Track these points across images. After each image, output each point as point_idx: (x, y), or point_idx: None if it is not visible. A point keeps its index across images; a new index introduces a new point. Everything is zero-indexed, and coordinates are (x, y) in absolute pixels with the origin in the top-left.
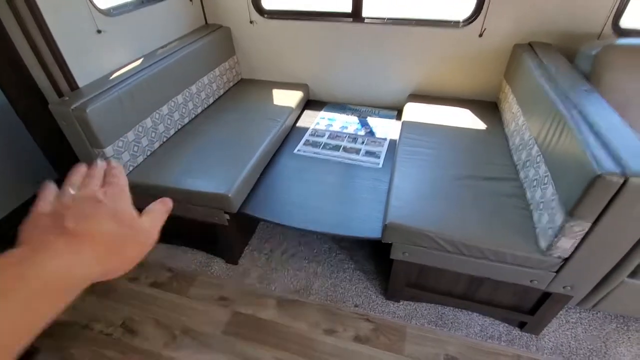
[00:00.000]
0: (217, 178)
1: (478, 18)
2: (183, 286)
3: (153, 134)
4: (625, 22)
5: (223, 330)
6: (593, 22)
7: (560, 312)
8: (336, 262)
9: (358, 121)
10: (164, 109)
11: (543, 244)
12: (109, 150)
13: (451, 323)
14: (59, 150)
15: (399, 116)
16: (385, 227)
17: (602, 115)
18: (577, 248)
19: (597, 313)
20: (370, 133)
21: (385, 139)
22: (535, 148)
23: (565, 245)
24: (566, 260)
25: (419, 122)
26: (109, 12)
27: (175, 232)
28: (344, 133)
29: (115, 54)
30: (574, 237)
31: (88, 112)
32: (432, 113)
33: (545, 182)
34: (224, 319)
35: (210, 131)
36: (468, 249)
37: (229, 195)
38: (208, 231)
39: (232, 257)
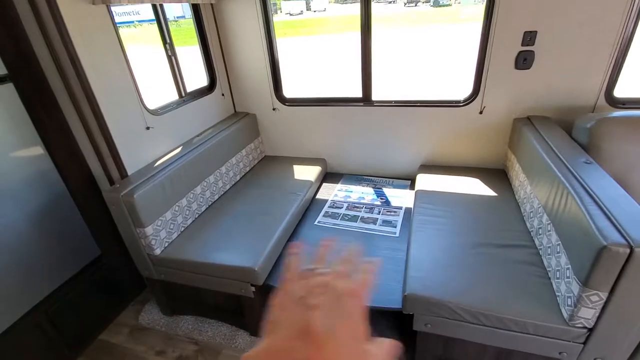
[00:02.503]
0: (243, 252)
1: (477, 98)
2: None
3: (187, 212)
4: (619, 93)
5: None
6: (587, 96)
7: None
8: None
9: (374, 192)
10: (198, 189)
11: (565, 313)
12: (149, 229)
13: None
14: (104, 229)
15: (412, 186)
16: (405, 298)
17: (603, 186)
18: (599, 318)
19: None
20: (386, 203)
21: (400, 208)
22: (545, 216)
23: (587, 315)
24: (591, 330)
25: (432, 191)
26: (156, 112)
27: (203, 303)
28: (361, 203)
29: (159, 144)
30: (594, 306)
31: (135, 198)
32: (444, 182)
33: (558, 250)
34: None
35: (237, 207)
36: (488, 318)
37: (255, 268)
38: (234, 303)
39: (257, 330)
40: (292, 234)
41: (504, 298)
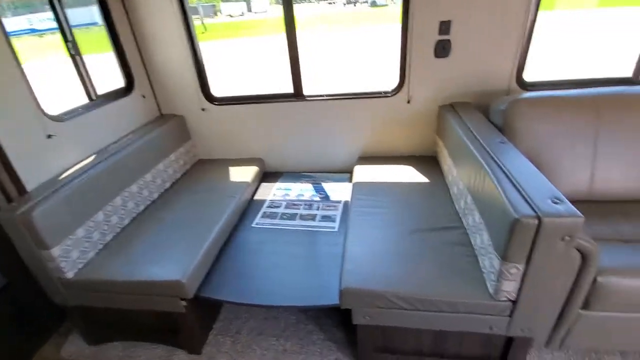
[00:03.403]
0: (169, 264)
1: (403, 88)
2: None
3: (105, 227)
4: (528, 76)
5: None
6: (500, 80)
7: (534, 356)
8: (305, 334)
9: (313, 188)
10: (117, 200)
11: (491, 289)
12: (55, 251)
13: None
14: (8, 254)
15: (351, 178)
16: (341, 293)
17: (516, 163)
18: (520, 290)
19: (568, 352)
20: (325, 198)
21: (340, 202)
22: (469, 197)
23: (509, 288)
24: (515, 302)
25: (368, 182)
26: (60, 118)
27: (131, 326)
28: (300, 201)
29: (66, 154)
30: (514, 279)
31: (34, 217)
32: (380, 172)
33: (481, 228)
34: None
35: (165, 216)
36: (422, 303)
37: (183, 280)
38: (165, 321)
39: (194, 347)
40: (228, 239)
41: (436, 281)
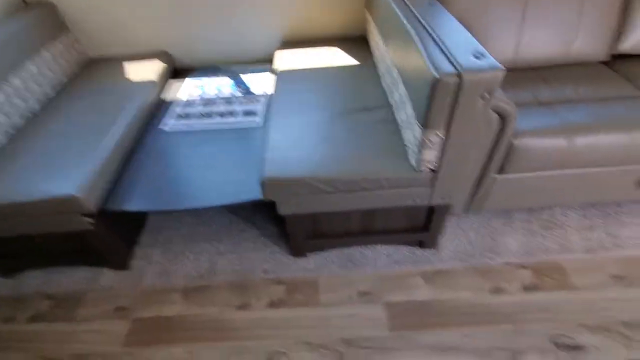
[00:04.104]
0: (60, 179)
1: None
2: (69, 310)
3: None
4: None
5: (124, 343)
6: None
7: (454, 222)
8: (237, 233)
9: (232, 82)
10: None
11: (413, 160)
12: None
13: (360, 262)
14: None
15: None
16: (262, 184)
17: (441, 23)
18: (441, 158)
19: (484, 215)
20: (247, 92)
21: (263, 95)
22: (395, 71)
23: (430, 157)
24: (436, 172)
25: (293, 69)
26: None
27: (40, 253)
28: (218, 97)
29: None
30: (435, 147)
31: None
32: (305, 57)
33: (405, 100)
34: (123, 331)
35: (52, 127)
36: (345, 184)
37: (78, 195)
38: (77, 242)
39: (119, 263)
40: (137, 145)
41: (359, 161)
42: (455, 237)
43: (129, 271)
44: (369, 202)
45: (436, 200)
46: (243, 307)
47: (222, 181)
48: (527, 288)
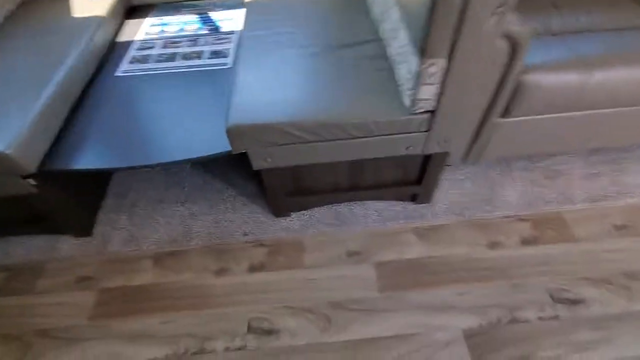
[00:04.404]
0: None
1: None
2: (27, 282)
3: None
4: None
5: (90, 316)
6: None
7: (448, 174)
8: (213, 194)
9: (198, 19)
10: None
11: (407, 100)
12: None
13: (348, 219)
14: None
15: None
16: (228, 133)
17: None
18: (440, 95)
19: (481, 165)
20: (215, 30)
21: (233, 33)
22: None
23: (427, 94)
24: (433, 113)
25: (266, 1)
26: None
27: None
28: (182, 37)
29: None
30: (433, 80)
31: None
32: None
33: (398, 27)
34: (89, 303)
35: None
36: (328, 130)
37: (10, 152)
38: (24, 207)
39: (80, 229)
40: (84, 94)
41: (343, 103)
42: (450, 189)
43: (92, 238)
44: (356, 152)
45: (432, 148)
46: (221, 272)
47: (187, 133)
48: (526, 241)
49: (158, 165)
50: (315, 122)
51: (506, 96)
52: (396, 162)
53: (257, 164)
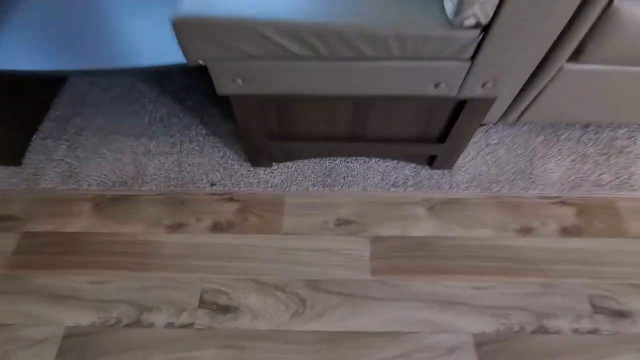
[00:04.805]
0: None
1: None
2: None
3: None
4: None
5: (8, 264)
6: None
7: (479, 135)
8: (179, 129)
9: None
10: None
11: (448, 5)
12: None
13: (343, 179)
14: None
15: None
16: (176, 31)
17: None
18: (500, 6)
19: (522, 127)
20: None
21: None
22: None
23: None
24: (486, 31)
25: None
26: None
27: None
28: None
29: None
30: None
31: None
32: None
33: None
34: (9, 247)
35: None
36: (326, 41)
37: None
38: None
39: (6, 155)
40: None
41: (353, 2)
42: (477, 154)
43: (22, 168)
44: (364, 83)
45: (472, 90)
46: (176, 228)
47: (134, 34)
48: (567, 231)
49: (92, 72)
50: (307, 25)
51: (586, 26)
52: (417, 107)
53: (223, 85)
